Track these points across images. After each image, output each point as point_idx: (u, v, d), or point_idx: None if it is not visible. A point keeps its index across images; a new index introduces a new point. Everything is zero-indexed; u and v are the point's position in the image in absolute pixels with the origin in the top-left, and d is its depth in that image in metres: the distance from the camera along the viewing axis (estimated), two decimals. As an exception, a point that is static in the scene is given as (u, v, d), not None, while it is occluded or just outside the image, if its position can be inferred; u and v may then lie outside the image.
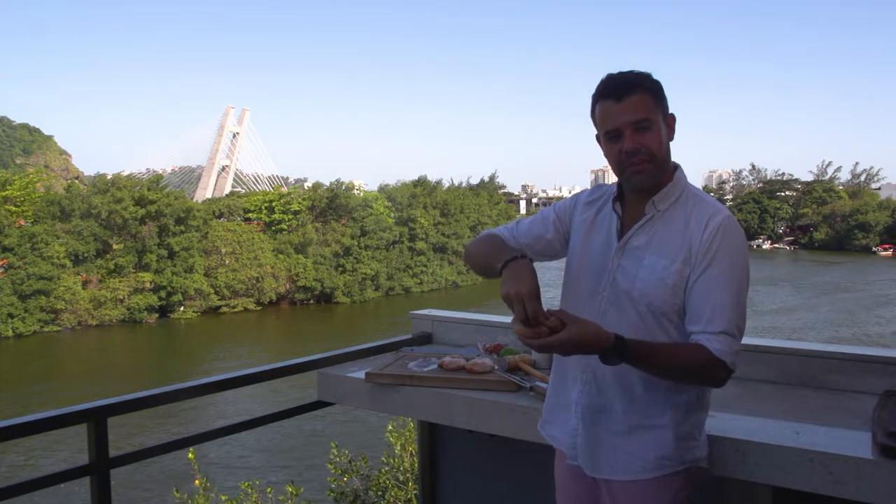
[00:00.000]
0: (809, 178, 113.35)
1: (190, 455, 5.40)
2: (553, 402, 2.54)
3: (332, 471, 6.40)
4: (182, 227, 50.93)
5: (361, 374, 3.50)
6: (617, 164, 2.29)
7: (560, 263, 2.57)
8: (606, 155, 2.33)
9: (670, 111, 2.31)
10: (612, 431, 2.35)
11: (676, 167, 2.36)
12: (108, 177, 55.58)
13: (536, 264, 2.34)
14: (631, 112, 2.23)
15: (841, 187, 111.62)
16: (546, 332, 2.04)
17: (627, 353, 2.10)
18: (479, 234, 2.62)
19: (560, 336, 2.03)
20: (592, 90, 2.32)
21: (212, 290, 52.04)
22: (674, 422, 2.30)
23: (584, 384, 2.38)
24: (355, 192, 65.30)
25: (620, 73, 2.30)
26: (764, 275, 65.81)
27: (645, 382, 2.28)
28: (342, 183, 63.36)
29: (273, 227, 58.85)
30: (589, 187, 2.61)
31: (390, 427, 6.54)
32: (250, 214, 60.41)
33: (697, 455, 2.35)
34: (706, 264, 2.20)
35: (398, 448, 6.36)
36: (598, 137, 2.35)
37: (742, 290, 2.23)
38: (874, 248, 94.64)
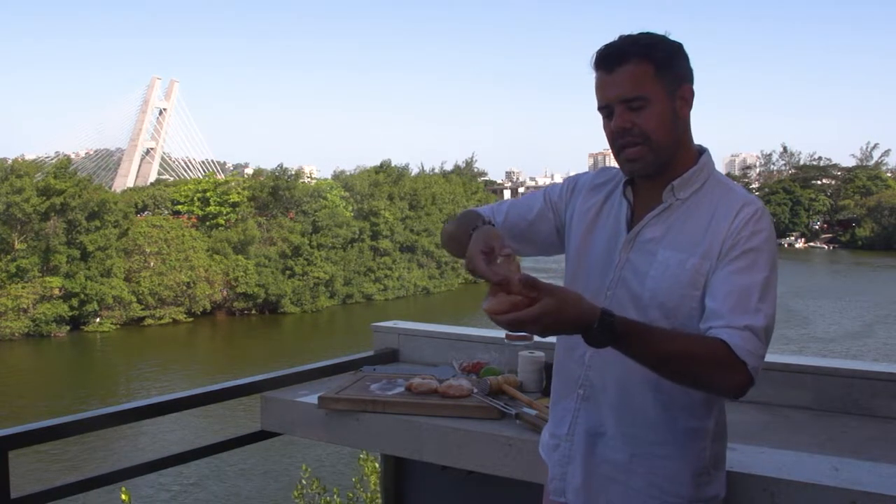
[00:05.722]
0: (851, 163, 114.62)
1: (123, 496, 5.39)
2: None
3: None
4: (97, 223, 50.61)
5: (314, 399, 3.48)
6: (611, 145, 2.31)
7: (560, 258, 2.57)
8: (606, 135, 2.34)
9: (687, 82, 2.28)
10: (611, 461, 2.33)
11: (703, 151, 2.36)
12: (8, 162, 55.01)
13: (544, 259, 2.32)
14: (620, 86, 2.22)
15: (889, 174, 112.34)
16: (520, 303, 1.92)
17: (618, 331, 2.00)
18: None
19: (532, 310, 1.92)
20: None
21: (133, 298, 51.76)
22: (691, 450, 2.28)
23: (581, 399, 2.37)
24: (305, 179, 65.24)
25: (618, 38, 2.28)
26: (799, 284, 64.11)
27: (659, 399, 2.25)
28: (287, 169, 63.20)
29: (207, 223, 58.72)
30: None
31: (363, 455, 6.52)
32: (180, 207, 60.30)
33: (713, 493, 2.33)
34: (731, 256, 2.17)
35: (373, 484, 6.34)
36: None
37: (772, 286, 2.19)
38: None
